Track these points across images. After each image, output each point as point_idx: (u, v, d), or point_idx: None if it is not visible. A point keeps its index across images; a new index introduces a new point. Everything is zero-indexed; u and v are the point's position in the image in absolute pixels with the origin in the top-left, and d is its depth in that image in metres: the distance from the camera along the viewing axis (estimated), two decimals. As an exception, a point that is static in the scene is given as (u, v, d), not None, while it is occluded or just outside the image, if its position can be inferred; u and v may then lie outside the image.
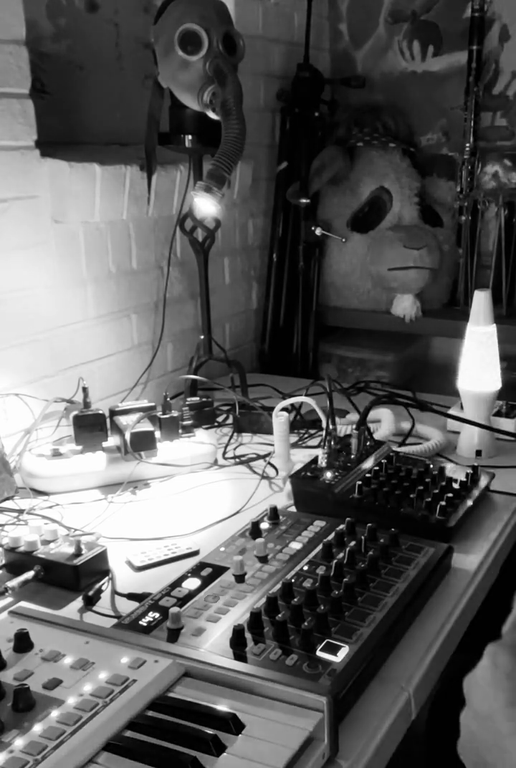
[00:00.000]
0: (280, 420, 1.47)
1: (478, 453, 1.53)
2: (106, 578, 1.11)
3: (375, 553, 1.07)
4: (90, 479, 1.43)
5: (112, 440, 1.49)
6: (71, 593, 1.08)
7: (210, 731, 0.76)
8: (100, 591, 1.08)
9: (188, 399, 1.71)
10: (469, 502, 1.27)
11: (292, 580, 1.01)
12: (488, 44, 2.31)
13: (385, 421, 1.61)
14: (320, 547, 1.11)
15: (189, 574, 1.06)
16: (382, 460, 1.38)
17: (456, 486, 1.30)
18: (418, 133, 2.48)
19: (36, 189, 1.55)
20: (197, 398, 1.72)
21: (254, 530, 1.18)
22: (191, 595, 1.01)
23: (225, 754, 0.74)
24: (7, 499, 1.37)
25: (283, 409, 1.49)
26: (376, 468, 1.36)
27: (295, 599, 0.96)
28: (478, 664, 0.66)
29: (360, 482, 1.29)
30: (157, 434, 1.48)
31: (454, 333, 1.72)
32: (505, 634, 0.68)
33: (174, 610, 0.95)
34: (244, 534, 1.18)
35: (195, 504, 1.38)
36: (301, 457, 1.48)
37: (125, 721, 0.77)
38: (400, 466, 1.38)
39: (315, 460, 1.37)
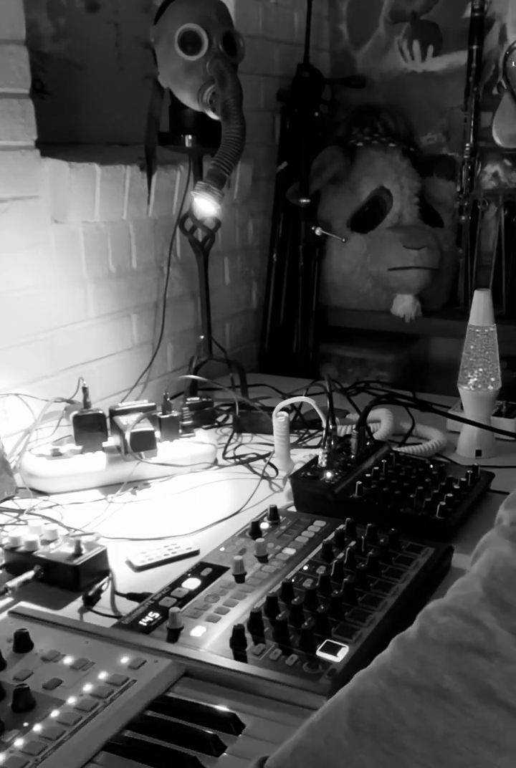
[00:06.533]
0: (280, 420, 1.47)
1: (478, 453, 1.53)
2: (106, 578, 1.11)
3: (375, 553, 1.07)
4: (90, 479, 1.43)
5: (112, 440, 1.49)
6: (71, 593, 1.07)
7: (210, 731, 0.76)
8: (100, 591, 1.08)
9: (188, 399, 1.71)
10: (469, 502, 1.27)
11: (292, 580, 1.01)
12: (488, 44, 2.31)
13: (385, 421, 1.61)
14: (320, 547, 1.11)
15: (189, 574, 1.06)
16: (382, 460, 1.38)
17: (456, 486, 1.30)
18: (418, 133, 2.48)
19: (36, 189, 1.55)
20: (197, 398, 1.72)
21: (254, 530, 1.18)
22: (191, 595, 1.01)
23: (225, 754, 0.74)
24: (7, 499, 1.37)
25: (283, 409, 1.49)
26: (376, 468, 1.36)
27: (295, 599, 0.96)
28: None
29: (360, 482, 1.29)
30: (157, 434, 1.48)
31: (454, 333, 1.72)
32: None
33: (174, 610, 0.95)
34: (244, 534, 1.18)
35: (195, 504, 1.38)
36: (301, 457, 1.48)
37: (125, 722, 0.77)
38: (400, 466, 1.38)
39: (315, 460, 1.37)
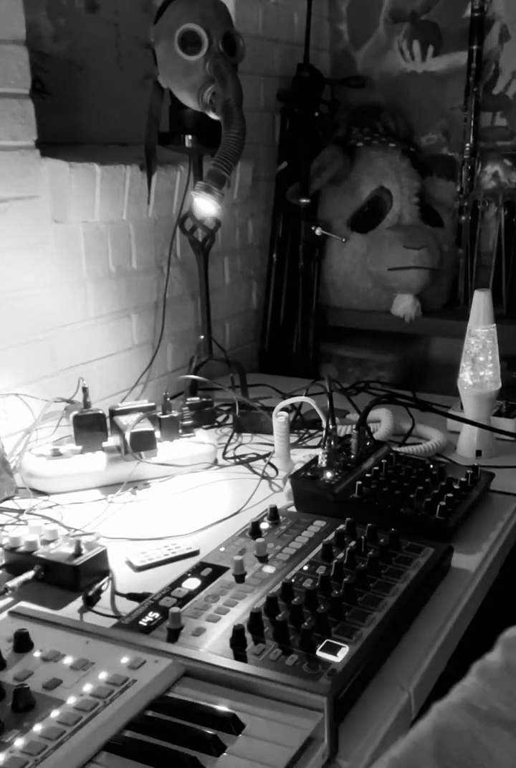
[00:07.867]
0: (280, 420, 1.47)
1: (478, 453, 1.53)
2: (106, 578, 1.11)
3: (375, 553, 1.07)
4: (90, 479, 1.43)
5: (112, 440, 1.49)
6: (71, 593, 1.08)
7: (210, 731, 0.76)
8: (100, 591, 1.08)
9: (188, 399, 1.71)
10: (469, 502, 1.27)
11: (292, 580, 1.01)
12: (488, 44, 2.31)
13: (385, 421, 1.61)
14: (320, 547, 1.11)
15: (189, 574, 1.06)
16: (382, 460, 1.38)
17: (456, 486, 1.30)
18: (418, 133, 2.48)
19: (36, 189, 1.55)
20: (197, 398, 1.72)
21: (254, 530, 1.18)
22: (191, 595, 1.01)
23: (225, 754, 0.74)
24: (7, 499, 1.37)
25: (283, 409, 1.49)
26: (376, 468, 1.36)
27: (295, 599, 0.96)
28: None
29: (360, 482, 1.29)
30: (157, 434, 1.48)
31: (454, 333, 1.72)
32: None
33: (174, 610, 0.95)
34: (244, 534, 1.18)
35: (195, 504, 1.38)
36: (301, 457, 1.48)
37: (125, 722, 0.77)
38: (400, 466, 1.38)
39: (315, 460, 1.37)
